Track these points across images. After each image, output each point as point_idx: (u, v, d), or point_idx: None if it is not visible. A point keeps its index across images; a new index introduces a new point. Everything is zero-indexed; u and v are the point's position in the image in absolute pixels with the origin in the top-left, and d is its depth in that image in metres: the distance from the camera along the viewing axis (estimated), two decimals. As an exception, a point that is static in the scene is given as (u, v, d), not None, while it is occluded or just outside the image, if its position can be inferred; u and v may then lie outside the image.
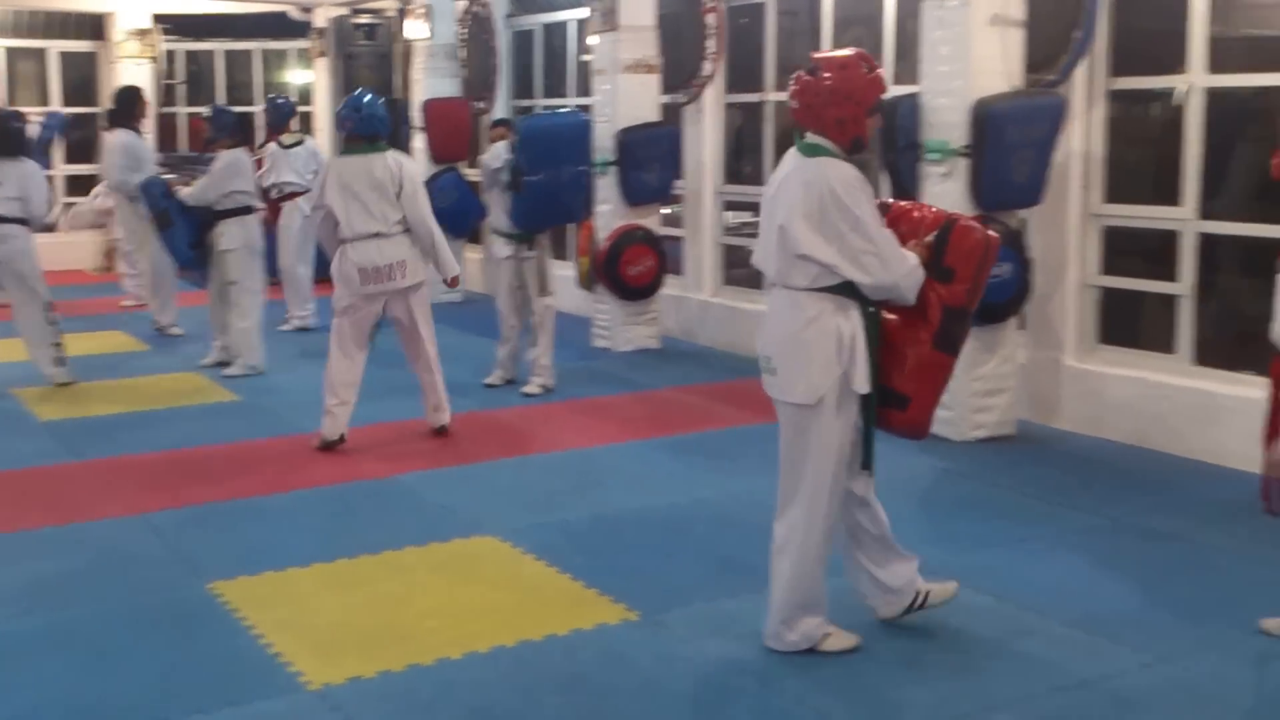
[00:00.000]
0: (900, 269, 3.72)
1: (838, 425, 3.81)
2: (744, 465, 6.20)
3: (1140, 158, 6.97)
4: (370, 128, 6.48)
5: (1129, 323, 6.96)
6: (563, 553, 4.89)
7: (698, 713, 3.63)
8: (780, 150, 9.31)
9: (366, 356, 6.58)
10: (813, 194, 3.69)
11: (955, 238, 3.82)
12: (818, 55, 3.90)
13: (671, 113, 9.63)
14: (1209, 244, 6.44)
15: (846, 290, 3.74)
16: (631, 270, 9.05)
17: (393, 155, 6.51)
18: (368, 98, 6.58)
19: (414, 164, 7.14)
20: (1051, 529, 5.20)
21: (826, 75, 3.77)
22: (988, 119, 6.31)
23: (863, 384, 3.77)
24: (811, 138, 3.80)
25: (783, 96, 9.14)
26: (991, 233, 3.91)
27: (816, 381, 3.76)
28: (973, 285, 3.83)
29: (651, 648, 4.05)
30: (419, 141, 11.50)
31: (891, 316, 3.83)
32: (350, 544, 5.01)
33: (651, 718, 3.58)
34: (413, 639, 4.10)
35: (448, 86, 11.77)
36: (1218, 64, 6.35)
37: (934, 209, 4.05)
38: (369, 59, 13.47)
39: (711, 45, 9.35)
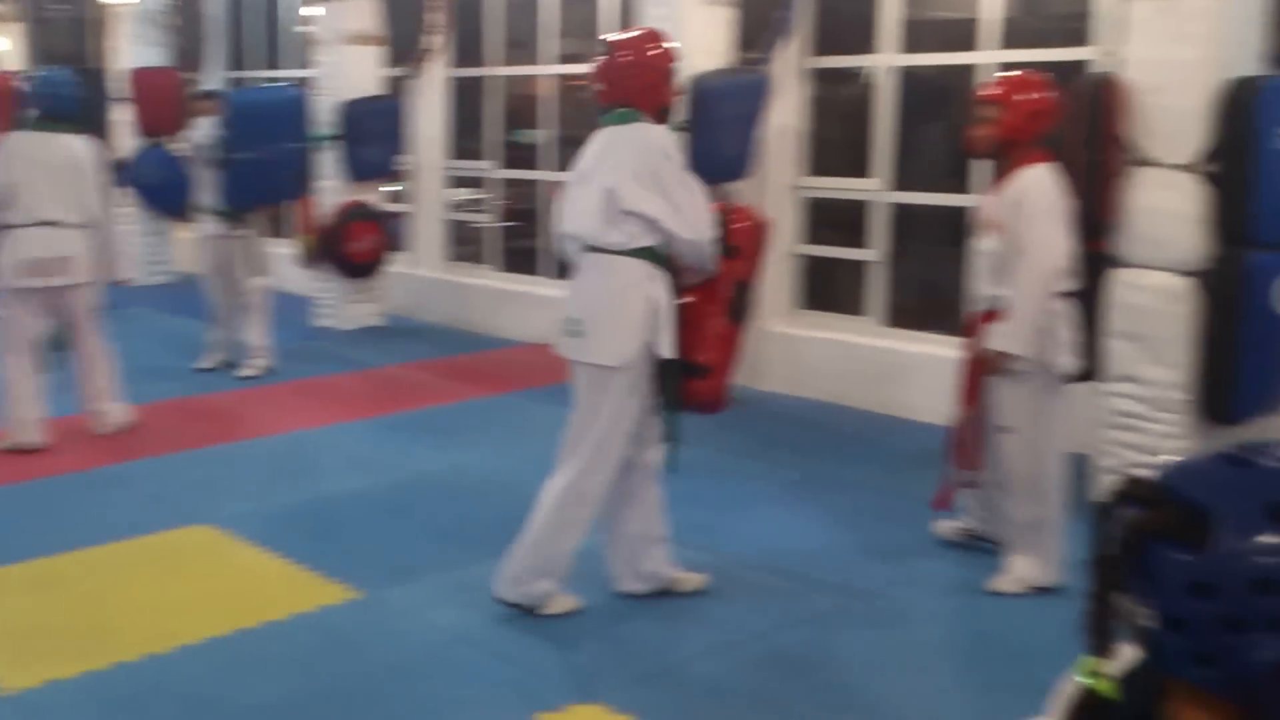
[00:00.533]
0: (710, 231, 3.94)
1: (635, 394, 3.92)
2: (468, 439, 6.23)
3: (839, 133, 7.37)
4: (61, 107, 6.08)
5: (827, 289, 7.38)
6: (281, 537, 4.79)
7: (423, 685, 3.65)
8: (510, 125, 9.37)
9: (46, 357, 6.09)
10: (642, 154, 3.86)
11: (735, 219, 4.13)
12: (608, 38, 4.11)
13: (395, 86, 9.49)
14: (900, 214, 6.90)
15: (656, 258, 3.88)
16: (355, 247, 8.89)
17: (82, 140, 6.11)
18: (62, 74, 6.20)
19: (102, 151, 6.68)
20: (757, 485, 5.48)
21: (622, 53, 3.98)
22: (699, 95, 6.53)
23: (668, 349, 3.89)
24: (622, 110, 3.94)
25: (508, 71, 9.24)
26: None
27: (626, 345, 3.87)
28: (754, 262, 4.18)
29: (376, 625, 4.04)
30: (123, 114, 10.89)
31: (688, 298, 4.01)
32: (49, 542, 4.74)
33: (376, 695, 3.58)
34: (118, 636, 3.94)
35: (155, 55, 11.19)
36: (909, 44, 6.79)
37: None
38: (64, 24, 12.62)
39: (436, 19, 9.26)
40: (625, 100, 3.95)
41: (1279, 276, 4.81)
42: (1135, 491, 1.18)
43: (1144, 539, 1.15)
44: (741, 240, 4.14)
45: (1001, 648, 3.91)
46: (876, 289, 6.98)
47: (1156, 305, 4.95)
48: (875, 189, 6.92)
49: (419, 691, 3.58)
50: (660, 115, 4.00)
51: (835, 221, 7.29)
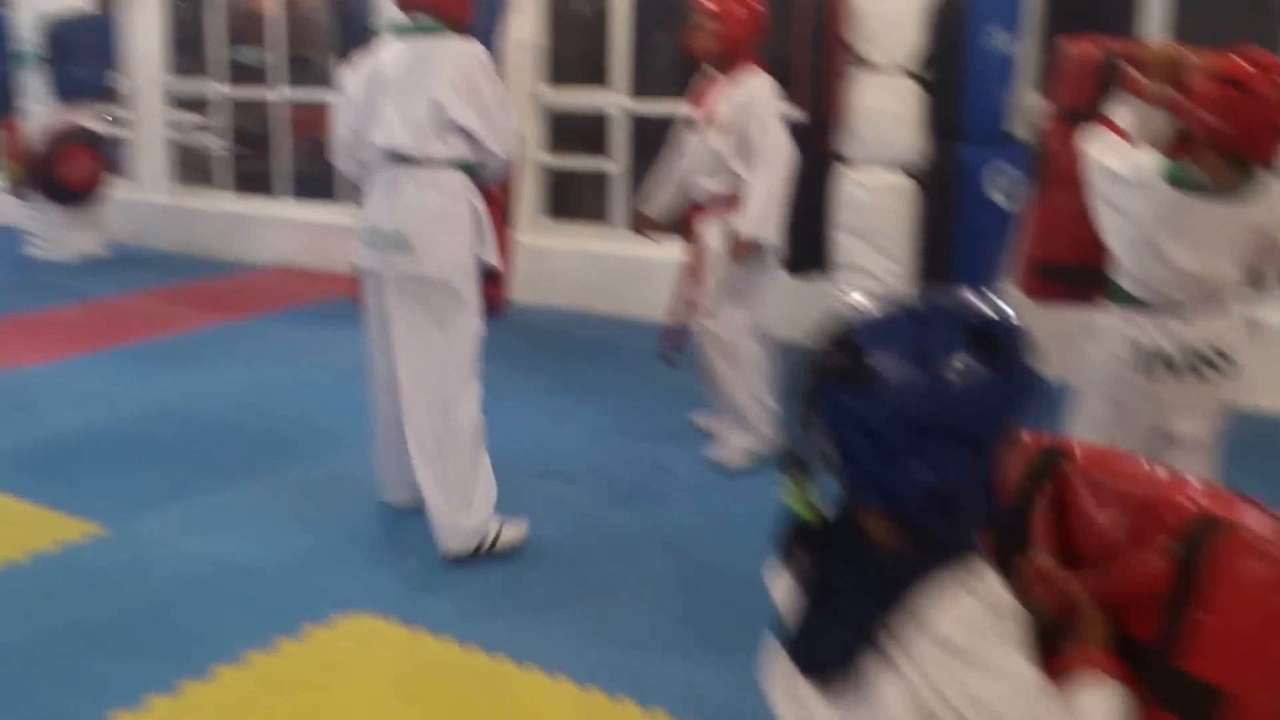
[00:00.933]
0: (517, 147, 3.94)
1: (475, 306, 3.85)
2: (208, 367, 6.02)
3: (577, 45, 7.40)
4: None
5: (571, 199, 7.46)
6: (11, 478, 4.51)
7: (179, 614, 3.54)
8: (235, 40, 8.93)
9: None
10: (462, 68, 3.73)
11: None
12: None
13: (105, 2, 8.87)
14: (639, 124, 7.02)
15: (470, 170, 3.82)
16: (68, 172, 8.33)
17: None
18: None
19: None
20: (513, 392, 5.52)
21: None
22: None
23: (493, 255, 3.87)
24: (424, 18, 3.79)
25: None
26: None
27: (460, 255, 3.79)
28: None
29: (125, 559, 3.88)
30: None
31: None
32: None
33: (130, 627, 3.46)
34: None
35: None
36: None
37: None
38: None
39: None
40: (431, 8, 3.81)
41: (990, 167, 5.18)
42: (827, 340, 1.33)
43: (822, 382, 1.30)
44: None
45: (758, 518, 4.12)
46: (618, 198, 7.10)
47: (879, 200, 5.26)
48: (615, 100, 7.01)
49: (176, 620, 3.49)
50: (460, 28, 3.86)
51: (577, 133, 7.34)
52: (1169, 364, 3.06)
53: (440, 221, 3.79)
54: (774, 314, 4.67)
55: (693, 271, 4.64)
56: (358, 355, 4.20)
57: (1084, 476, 1.45)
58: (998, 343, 1.29)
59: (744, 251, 4.43)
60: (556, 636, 3.34)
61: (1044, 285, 3.55)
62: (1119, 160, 3.01)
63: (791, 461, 1.35)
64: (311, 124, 9.20)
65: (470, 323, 3.84)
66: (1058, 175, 3.34)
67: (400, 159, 3.79)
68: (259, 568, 3.80)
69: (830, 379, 1.30)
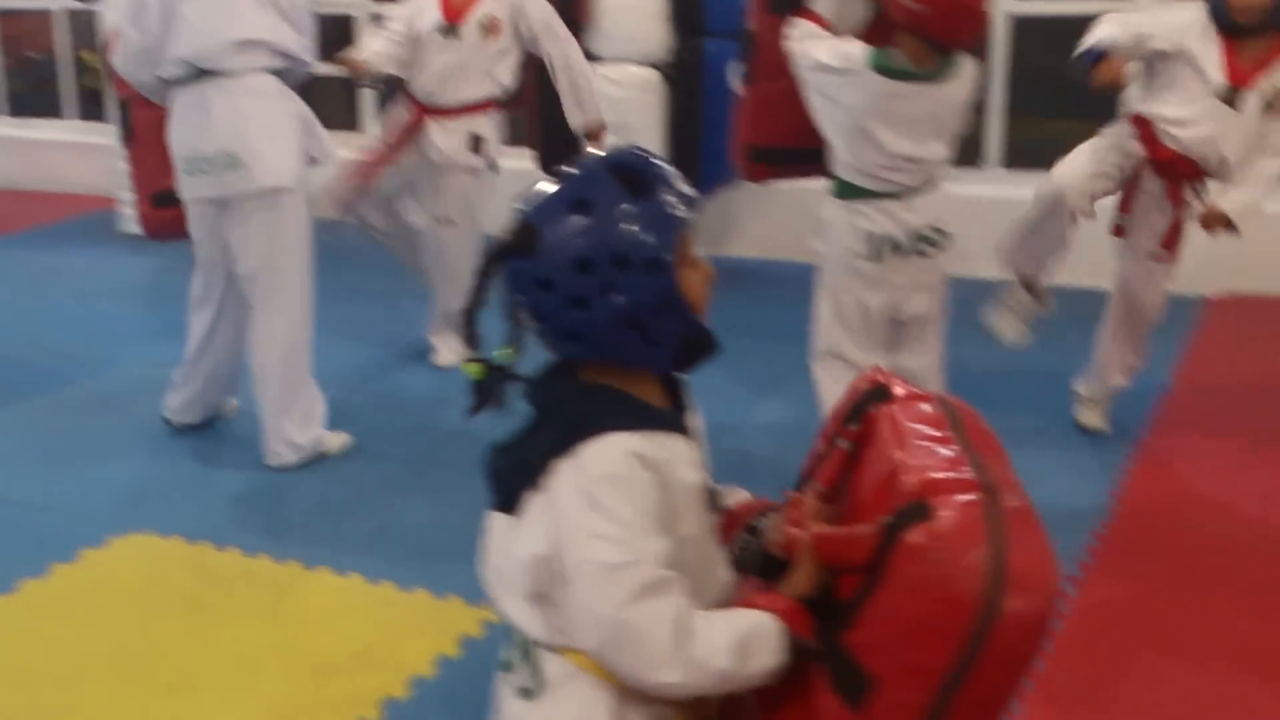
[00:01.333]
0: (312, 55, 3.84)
1: (306, 212, 3.74)
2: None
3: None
4: None
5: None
6: None
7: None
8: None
9: None
10: None
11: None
12: None
13: None
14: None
15: (280, 75, 3.70)
16: None
17: None
18: None
19: None
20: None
21: None
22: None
23: (325, 153, 3.80)
24: None
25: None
26: None
27: (292, 162, 3.67)
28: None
29: None
30: None
31: None
32: None
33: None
34: None
35: None
36: None
37: None
38: None
39: None
40: None
41: (732, 60, 5.36)
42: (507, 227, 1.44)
43: (499, 257, 1.42)
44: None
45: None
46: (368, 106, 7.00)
47: (628, 95, 5.39)
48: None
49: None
50: None
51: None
52: (897, 247, 3.22)
53: (265, 130, 3.65)
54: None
55: (381, 160, 4.57)
56: (99, 278, 4.08)
57: (887, 424, 1.46)
58: (644, 177, 1.41)
59: (600, 135, 4.59)
60: (346, 541, 3.38)
61: (757, 168, 3.76)
62: (828, 52, 3.13)
63: (464, 330, 1.47)
64: (27, 39, 8.64)
65: (303, 226, 3.76)
66: (765, 63, 3.47)
67: (204, 72, 3.63)
68: (23, 498, 3.69)
69: (506, 255, 1.41)
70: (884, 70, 3.07)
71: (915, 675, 1.29)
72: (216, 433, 4.15)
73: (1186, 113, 3.57)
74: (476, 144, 4.49)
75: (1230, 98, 3.52)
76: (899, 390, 1.52)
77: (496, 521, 1.47)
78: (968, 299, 3.93)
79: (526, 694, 1.46)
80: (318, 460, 3.88)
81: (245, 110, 3.63)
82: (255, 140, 3.63)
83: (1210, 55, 3.54)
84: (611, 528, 1.34)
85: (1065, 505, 3.32)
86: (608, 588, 1.33)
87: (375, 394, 4.50)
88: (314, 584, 3.17)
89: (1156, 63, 3.65)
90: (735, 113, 3.98)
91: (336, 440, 3.96)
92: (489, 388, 1.46)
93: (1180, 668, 2.76)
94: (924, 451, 1.37)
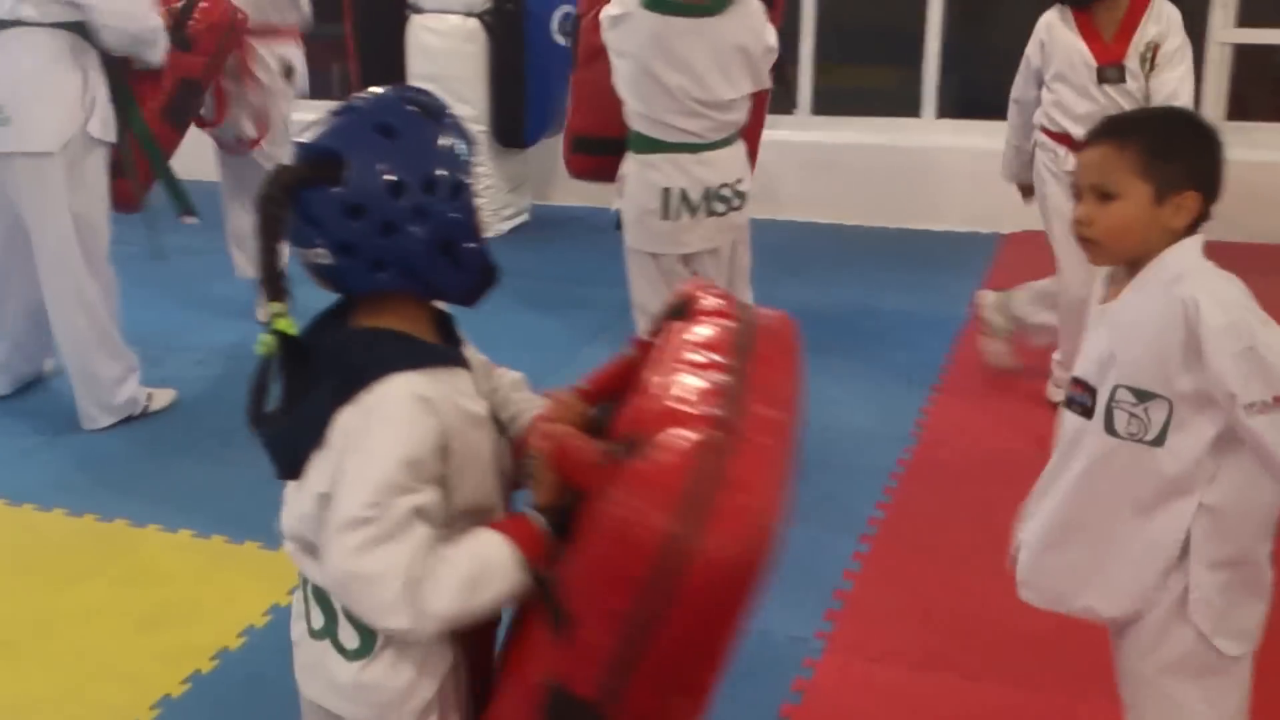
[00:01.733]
0: (152, 20, 3.62)
1: (85, 179, 3.58)
2: None
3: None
4: None
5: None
6: None
7: None
8: None
9: None
10: None
11: (202, 8, 3.94)
12: None
13: None
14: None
15: (84, 32, 3.51)
16: None
17: None
18: None
19: None
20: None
21: None
22: None
23: (102, 129, 3.57)
24: None
25: None
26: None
27: (64, 126, 3.50)
28: (211, 61, 4.00)
29: None
30: None
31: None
32: None
33: None
34: None
35: None
36: None
37: None
38: None
39: None
40: None
41: (555, 11, 5.42)
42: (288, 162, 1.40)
43: (294, 189, 1.37)
44: (201, 36, 3.98)
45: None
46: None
47: (450, 45, 5.39)
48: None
49: None
50: None
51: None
52: (688, 203, 3.17)
53: (38, 87, 3.51)
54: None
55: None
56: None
57: (663, 341, 1.43)
58: (430, 107, 1.45)
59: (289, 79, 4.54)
60: (173, 497, 3.39)
61: (581, 159, 3.66)
62: (613, 6, 3.14)
63: (266, 277, 1.38)
64: None
65: (77, 192, 3.59)
66: (586, 50, 3.47)
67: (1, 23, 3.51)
68: None
69: (298, 184, 1.37)
70: (656, 6, 3.06)
71: (602, 618, 1.24)
72: (35, 395, 4.09)
73: (1085, 107, 3.46)
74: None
75: (1110, 76, 3.46)
76: (706, 304, 1.49)
77: (289, 490, 1.45)
78: (781, 244, 4.10)
79: (342, 650, 1.44)
80: (141, 418, 3.86)
81: (20, 66, 3.51)
82: (27, 95, 3.51)
83: (1076, 44, 3.50)
84: (368, 472, 1.31)
85: (874, 431, 3.56)
86: (344, 535, 1.32)
87: (196, 347, 4.48)
88: (143, 541, 3.17)
89: (1044, 76, 3.61)
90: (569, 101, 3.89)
91: (163, 397, 3.94)
92: (273, 368, 1.40)
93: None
94: (677, 378, 1.31)
